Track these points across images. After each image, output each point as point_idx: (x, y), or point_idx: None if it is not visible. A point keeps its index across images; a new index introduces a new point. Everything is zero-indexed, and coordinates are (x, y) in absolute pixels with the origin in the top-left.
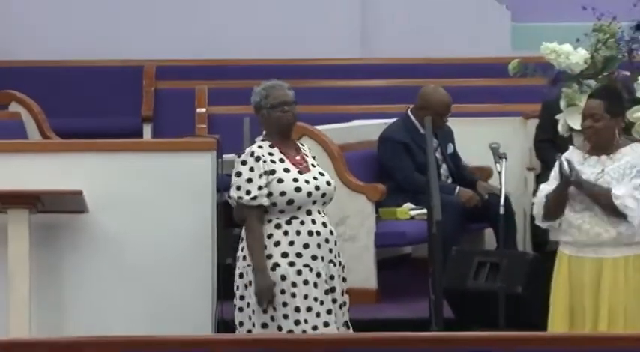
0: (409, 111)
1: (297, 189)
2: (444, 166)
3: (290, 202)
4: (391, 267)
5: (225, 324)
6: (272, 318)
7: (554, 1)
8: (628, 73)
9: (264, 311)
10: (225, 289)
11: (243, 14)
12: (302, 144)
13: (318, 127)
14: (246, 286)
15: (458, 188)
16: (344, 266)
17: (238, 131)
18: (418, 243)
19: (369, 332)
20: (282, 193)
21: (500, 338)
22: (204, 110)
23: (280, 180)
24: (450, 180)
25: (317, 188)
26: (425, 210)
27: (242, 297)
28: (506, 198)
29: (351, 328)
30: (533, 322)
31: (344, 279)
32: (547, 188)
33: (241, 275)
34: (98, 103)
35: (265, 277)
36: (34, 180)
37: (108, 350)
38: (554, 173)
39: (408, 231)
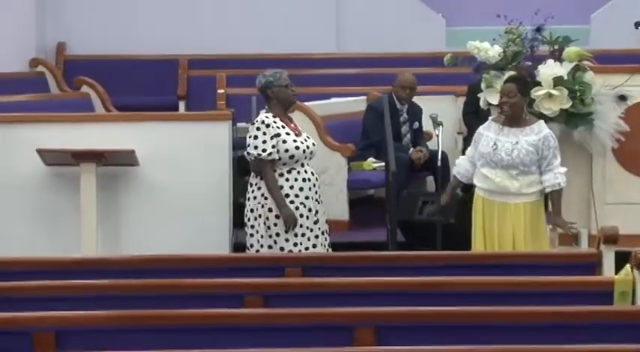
0: (392, 92)
1: (297, 148)
2: (407, 136)
3: (292, 157)
4: (359, 205)
5: (238, 246)
6: (275, 242)
7: (476, 11)
8: (530, 63)
9: (286, 232)
10: (239, 220)
11: (251, 21)
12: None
13: (306, 103)
14: (256, 218)
15: (412, 149)
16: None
17: (247, 107)
18: (378, 187)
19: (343, 252)
20: (286, 150)
21: (438, 256)
22: (223, 91)
23: (284, 141)
24: (410, 146)
25: (307, 147)
26: (383, 163)
27: (252, 226)
28: (443, 154)
29: (330, 249)
30: (462, 245)
31: (324, 213)
32: (469, 151)
33: (252, 210)
34: (146, 86)
35: (288, 209)
36: (99, 141)
37: (153, 265)
38: (473, 142)
39: (371, 178)
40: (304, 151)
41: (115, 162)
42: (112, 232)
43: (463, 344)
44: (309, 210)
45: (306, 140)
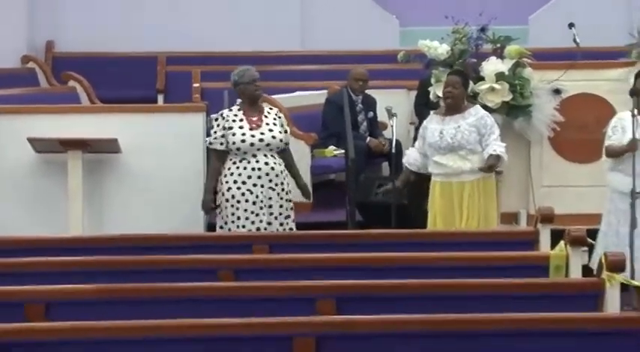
0: (347, 85)
1: (243, 141)
2: (364, 124)
3: (238, 149)
4: (321, 188)
5: (211, 226)
6: (225, 223)
7: (427, 12)
8: (475, 60)
9: (216, 216)
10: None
11: (223, 22)
12: (271, 109)
13: (273, 96)
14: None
15: (369, 138)
16: (288, 191)
17: (220, 99)
18: (339, 172)
19: (307, 231)
20: (234, 143)
21: (393, 234)
22: (198, 85)
23: (234, 134)
24: (367, 134)
25: (260, 140)
26: (343, 151)
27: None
28: (397, 142)
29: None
30: (414, 224)
31: (288, 200)
32: (417, 144)
33: (215, 193)
34: (128, 80)
35: (207, 196)
36: (85, 131)
37: (134, 243)
38: (419, 136)
39: (332, 164)
40: (252, 144)
41: (99, 149)
42: (96, 213)
43: (414, 313)
44: (257, 196)
45: (263, 133)
